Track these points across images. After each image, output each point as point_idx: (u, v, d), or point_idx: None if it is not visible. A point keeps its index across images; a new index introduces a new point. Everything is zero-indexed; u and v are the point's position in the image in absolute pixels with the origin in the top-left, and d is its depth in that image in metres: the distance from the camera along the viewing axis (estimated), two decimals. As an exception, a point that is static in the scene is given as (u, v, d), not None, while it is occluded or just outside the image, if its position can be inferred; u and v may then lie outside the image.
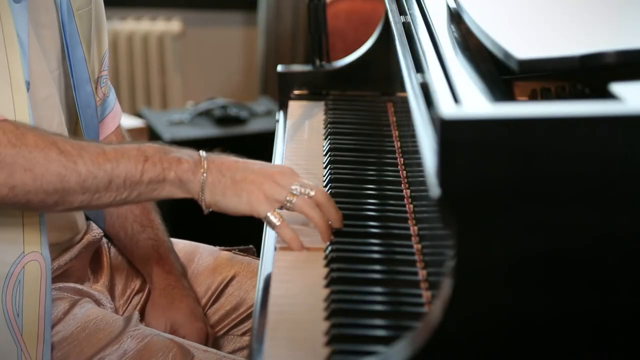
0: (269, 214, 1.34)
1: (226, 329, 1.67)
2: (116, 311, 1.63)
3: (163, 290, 1.64)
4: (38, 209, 1.34)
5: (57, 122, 1.50)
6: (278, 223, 1.34)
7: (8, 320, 1.39)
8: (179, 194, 1.35)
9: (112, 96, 1.72)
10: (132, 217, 1.69)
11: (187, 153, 1.36)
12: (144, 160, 1.33)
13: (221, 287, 1.68)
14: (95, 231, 1.64)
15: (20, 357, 1.41)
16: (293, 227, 1.36)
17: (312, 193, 1.35)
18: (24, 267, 1.40)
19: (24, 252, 1.40)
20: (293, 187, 1.35)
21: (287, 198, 1.34)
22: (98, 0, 1.61)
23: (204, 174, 1.34)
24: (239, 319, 1.67)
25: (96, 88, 1.61)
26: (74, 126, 1.57)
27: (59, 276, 1.54)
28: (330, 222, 1.36)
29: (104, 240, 1.69)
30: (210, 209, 1.36)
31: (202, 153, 1.37)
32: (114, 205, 1.36)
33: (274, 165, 1.41)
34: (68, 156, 1.30)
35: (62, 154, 1.30)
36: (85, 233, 1.61)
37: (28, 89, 1.39)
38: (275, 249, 1.37)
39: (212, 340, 1.63)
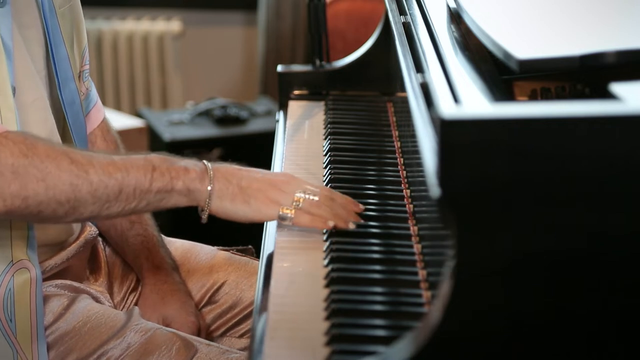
0: (280, 213, 1.37)
1: (223, 329, 1.67)
2: (115, 309, 1.63)
3: (153, 285, 1.65)
4: (49, 219, 1.34)
5: (49, 123, 1.50)
6: (292, 215, 1.37)
7: (1, 325, 1.40)
8: (184, 202, 1.37)
9: (94, 90, 1.72)
10: (113, 232, 1.70)
11: (192, 162, 1.38)
12: (152, 170, 1.34)
13: (217, 285, 1.68)
14: (92, 229, 1.64)
15: (16, 358, 1.42)
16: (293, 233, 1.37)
17: (316, 199, 1.38)
18: (13, 275, 1.41)
19: (12, 261, 1.41)
20: (297, 194, 1.37)
21: (294, 203, 1.37)
22: None
23: (211, 183, 1.36)
24: (235, 320, 1.66)
25: (79, 83, 1.61)
26: (62, 123, 1.57)
27: (56, 274, 1.54)
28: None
29: (100, 239, 1.70)
30: (213, 215, 1.37)
31: (206, 162, 1.39)
32: (122, 215, 1.36)
33: (275, 173, 1.44)
34: (79, 165, 1.30)
35: (74, 164, 1.30)
36: (81, 232, 1.61)
37: (14, 94, 1.39)
38: (277, 236, 1.38)
39: (205, 333, 1.64)
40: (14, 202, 1.28)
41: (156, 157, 1.36)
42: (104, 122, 1.74)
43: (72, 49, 1.57)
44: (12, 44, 1.40)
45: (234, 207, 1.36)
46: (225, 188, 1.36)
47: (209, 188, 1.35)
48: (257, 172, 1.41)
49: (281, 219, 1.37)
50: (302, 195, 1.38)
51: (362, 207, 1.42)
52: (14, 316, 1.41)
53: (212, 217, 1.39)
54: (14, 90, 1.39)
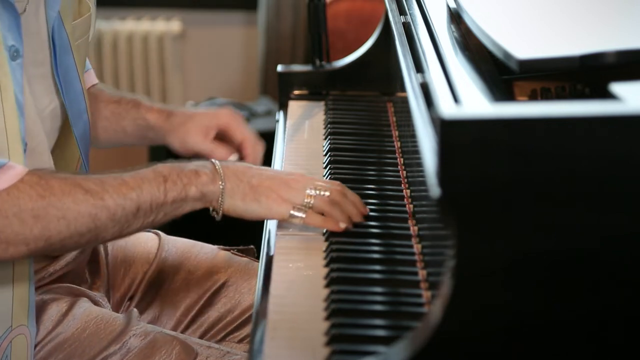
0: (291, 212, 1.37)
1: (222, 334, 1.65)
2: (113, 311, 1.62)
3: (167, 119, 1.69)
4: (71, 249, 1.37)
5: (48, 164, 1.47)
6: (304, 215, 1.37)
7: None
8: (199, 206, 1.38)
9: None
10: (107, 123, 1.72)
11: (200, 164, 1.39)
12: (164, 181, 1.35)
13: (216, 287, 1.67)
14: None
15: None
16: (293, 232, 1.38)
17: (327, 194, 1.38)
18: (11, 341, 1.40)
19: (11, 326, 1.40)
20: (308, 190, 1.38)
21: (305, 200, 1.37)
22: None
23: (222, 182, 1.37)
24: (235, 324, 1.65)
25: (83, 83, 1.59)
26: (71, 146, 1.55)
27: (57, 278, 1.54)
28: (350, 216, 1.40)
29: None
30: (225, 214, 1.38)
31: (214, 161, 1.39)
32: (142, 229, 1.37)
33: (286, 172, 1.45)
34: (94, 194, 1.31)
35: (89, 193, 1.31)
36: None
37: (25, 150, 1.34)
38: (277, 236, 1.38)
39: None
40: (37, 245, 1.29)
41: (164, 167, 1.36)
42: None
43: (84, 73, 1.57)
44: (23, 98, 1.37)
45: (245, 205, 1.37)
46: (236, 187, 1.37)
47: (221, 187, 1.36)
48: (267, 170, 1.42)
49: (292, 217, 1.37)
50: (314, 192, 1.38)
51: (367, 209, 1.42)
52: None
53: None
54: (25, 146, 1.35)
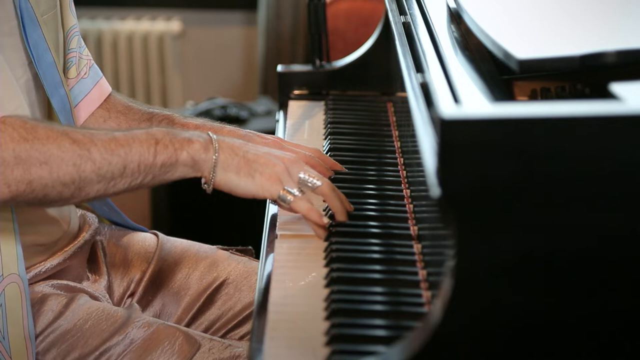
0: (280, 193, 1.36)
1: (223, 331, 1.66)
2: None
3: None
4: (56, 202, 1.33)
5: None
6: (292, 199, 1.36)
7: None
8: (190, 173, 1.36)
9: (91, 78, 1.66)
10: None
11: (196, 134, 1.37)
12: (155, 143, 1.33)
13: (216, 284, 1.67)
14: (92, 226, 1.63)
15: None
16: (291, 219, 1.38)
17: (319, 184, 1.38)
18: (3, 290, 1.40)
19: (2, 275, 1.40)
20: (301, 176, 1.38)
21: (295, 190, 1.36)
22: None
23: (216, 153, 1.35)
24: (235, 321, 1.65)
25: (64, 79, 1.58)
26: (55, 120, 1.54)
27: (54, 274, 1.54)
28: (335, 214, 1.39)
29: (99, 239, 1.68)
30: (217, 188, 1.36)
31: (211, 134, 1.38)
32: (128, 191, 1.35)
33: (282, 151, 1.42)
34: (81, 145, 1.30)
35: (75, 143, 1.29)
36: (80, 232, 1.61)
37: None
38: (277, 236, 1.38)
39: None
40: (19, 187, 1.27)
41: (158, 130, 1.35)
42: (109, 100, 1.69)
43: (58, 53, 1.55)
44: None
45: (239, 179, 1.36)
46: (230, 159, 1.36)
47: (214, 158, 1.35)
48: (263, 147, 1.41)
49: (281, 199, 1.36)
50: (306, 178, 1.37)
51: (352, 207, 1.41)
52: (7, 333, 1.40)
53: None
54: None
